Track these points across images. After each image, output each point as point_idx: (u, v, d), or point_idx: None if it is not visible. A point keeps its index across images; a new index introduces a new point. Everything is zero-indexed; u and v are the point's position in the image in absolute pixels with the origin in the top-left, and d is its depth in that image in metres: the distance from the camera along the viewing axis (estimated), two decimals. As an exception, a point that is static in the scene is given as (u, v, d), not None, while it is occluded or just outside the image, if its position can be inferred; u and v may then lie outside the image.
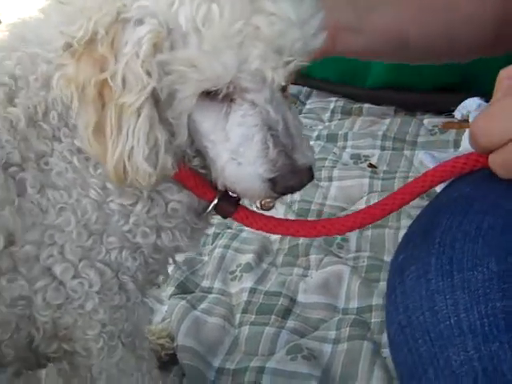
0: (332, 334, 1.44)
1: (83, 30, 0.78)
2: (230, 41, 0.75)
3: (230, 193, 0.91)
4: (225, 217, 0.97)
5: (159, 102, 0.80)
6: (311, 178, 0.84)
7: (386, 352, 1.36)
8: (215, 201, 0.94)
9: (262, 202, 0.89)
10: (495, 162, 0.78)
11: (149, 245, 0.97)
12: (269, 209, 0.91)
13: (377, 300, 1.50)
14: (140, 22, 0.77)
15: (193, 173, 0.93)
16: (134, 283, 1.00)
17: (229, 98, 0.81)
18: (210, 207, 0.95)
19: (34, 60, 0.89)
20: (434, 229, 0.84)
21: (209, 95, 0.80)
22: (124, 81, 0.77)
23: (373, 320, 1.46)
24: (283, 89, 0.85)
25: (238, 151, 0.82)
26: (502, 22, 1.11)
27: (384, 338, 1.40)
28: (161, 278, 1.13)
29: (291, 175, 0.81)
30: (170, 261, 1.11)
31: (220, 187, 0.89)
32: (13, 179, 0.90)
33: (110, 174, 0.82)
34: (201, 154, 0.90)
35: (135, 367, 1.08)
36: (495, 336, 0.72)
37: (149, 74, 0.77)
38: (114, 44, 0.77)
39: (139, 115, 0.79)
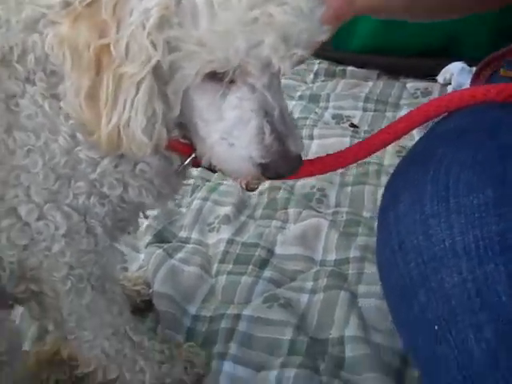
0: (309, 284, 1.44)
1: None
2: (244, 26, 0.74)
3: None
4: (214, 171, 0.97)
5: (159, 75, 0.79)
6: (300, 165, 0.85)
7: (361, 302, 1.37)
8: (193, 155, 0.93)
9: (248, 183, 0.91)
10: None
11: (115, 196, 0.96)
12: (253, 190, 0.93)
13: (354, 253, 1.50)
14: None
15: None
16: (103, 228, 0.99)
17: (229, 80, 0.80)
18: (188, 160, 0.95)
19: (20, 3, 0.86)
20: (429, 157, 0.85)
21: (212, 75, 0.79)
22: (127, 50, 0.76)
23: (350, 271, 1.46)
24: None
25: (231, 133, 0.82)
26: None
27: (360, 288, 1.41)
28: (131, 227, 1.11)
29: (282, 162, 0.82)
30: (141, 215, 1.11)
31: (204, 164, 0.89)
32: None
33: (102, 141, 0.81)
34: (182, 126, 0.90)
35: (105, 309, 1.08)
36: (490, 258, 0.74)
37: (154, 46, 0.76)
38: (116, 10, 0.75)
39: (139, 86, 0.77)
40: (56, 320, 1.07)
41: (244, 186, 0.93)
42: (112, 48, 0.76)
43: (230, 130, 0.82)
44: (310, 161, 0.99)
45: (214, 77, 0.80)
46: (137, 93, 0.78)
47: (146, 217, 1.14)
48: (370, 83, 2.36)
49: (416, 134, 1.41)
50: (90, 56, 0.76)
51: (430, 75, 2.35)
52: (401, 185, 0.87)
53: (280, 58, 0.77)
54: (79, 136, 0.89)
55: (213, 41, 0.75)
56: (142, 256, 1.55)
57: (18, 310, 1.28)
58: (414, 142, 1.03)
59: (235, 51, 0.75)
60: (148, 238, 1.60)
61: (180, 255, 1.54)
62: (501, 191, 0.76)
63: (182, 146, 0.93)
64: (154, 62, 0.76)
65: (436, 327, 0.77)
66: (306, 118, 2.10)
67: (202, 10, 0.74)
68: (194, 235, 1.63)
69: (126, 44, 0.76)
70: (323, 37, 0.82)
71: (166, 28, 0.76)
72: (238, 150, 0.83)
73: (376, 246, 0.91)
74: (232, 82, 0.81)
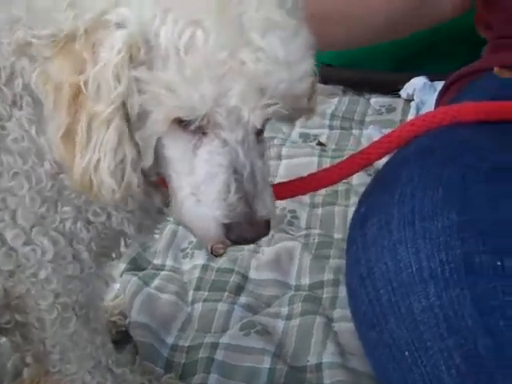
0: (284, 310, 1.46)
1: (68, 24, 0.75)
2: (211, 71, 0.72)
3: None
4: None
5: (131, 119, 0.78)
6: (267, 232, 0.80)
7: (337, 326, 1.40)
8: None
9: (213, 247, 0.85)
10: None
11: (99, 222, 0.96)
12: (219, 255, 0.87)
13: (328, 276, 1.53)
14: (120, 27, 0.74)
15: None
16: (89, 252, 0.98)
17: (201, 131, 0.78)
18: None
19: (14, 24, 0.85)
20: (395, 181, 0.86)
21: (181, 123, 0.77)
22: (97, 88, 0.75)
23: (324, 295, 1.49)
24: (259, 132, 0.81)
25: (199, 188, 0.79)
26: None
27: (335, 313, 1.44)
28: (113, 254, 1.11)
29: (247, 226, 0.78)
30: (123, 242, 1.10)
31: (175, 220, 0.86)
32: None
33: (75, 181, 0.80)
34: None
35: (89, 340, 1.08)
36: (456, 282, 0.75)
37: (119, 84, 0.74)
38: (94, 47, 0.75)
39: (108, 127, 0.76)
40: (39, 352, 1.07)
41: (209, 249, 0.86)
42: (82, 86, 0.75)
43: (199, 184, 0.79)
44: (281, 184, 1.00)
45: (186, 127, 0.77)
46: (106, 134, 0.76)
47: (127, 245, 1.14)
48: (336, 100, 2.40)
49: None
50: (68, 94, 0.76)
51: (394, 90, 2.40)
52: (368, 210, 0.88)
53: (250, 108, 0.74)
54: None
55: (179, 85, 0.73)
56: (118, 286, 1.55)
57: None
58: (382, 161, 1.04)
59: (201, 98, 0.73)
60: (123, 266, 1.60)
61: (155, 283, 1.55)
62: (463, 214, 0.78)
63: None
64: (118, 99, 0.75)
65: (406, 353, 0.79)
66: (274, 138, 2.12)
67: (168, 54, 0.73)
68: (169, 262, 1.64)
69: (96, 82, 0.74)
70: (304, 89, 0.79)
71: (133, 68, 0.74)
72: (204, 207, 0.79)
73: (345, 273, 0.92)
74: (204, 133, 0.78)
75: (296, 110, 0.88)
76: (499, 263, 0.75)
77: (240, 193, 0.77)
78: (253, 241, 0.81)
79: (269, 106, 0.75)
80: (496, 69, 0.93)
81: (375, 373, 0.95)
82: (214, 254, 0.86)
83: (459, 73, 1.22)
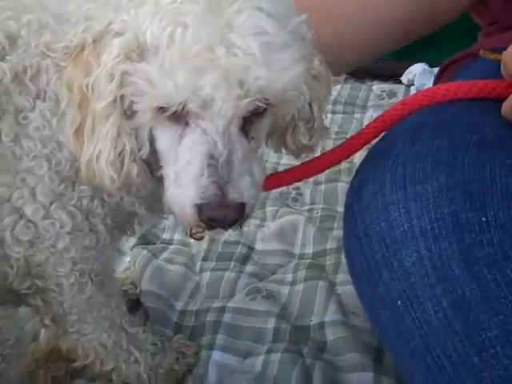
0: (289, 276, 1.51)
1: (78, 36, 0.85)
2: (186, 63, 0.77)
3: None
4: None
5: (127, 114, 0.85)
6: (239, 214, 0.83)
7: (340, 289, 1.45)
8: None
9: (193, 231, 0.90)
10: None
11: (113, 202, 1.02)
12: (199, 238, 0.91)
13: (331, 244, 1.58)
14: (120, 34, 0.82)
15: None
16: (104, 226, 1.04)
17: (184, 122, 0.83)
18: None
19: (43, 28, 0.93)
20: (388, 153, 0.92)
21: (166, 114, 0.83)
22: (97, 87, 0.83)
23: (327, 262, 1.54)
24: (244, 129, 0.86)
25: (180, 174, 0.85)
26: None
27: (338, 277, 1.48)
28: (128, 230, 1.17)
29: (217, 207, 0.81)
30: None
31: (166, 207, 0.92)
32: None
33: (82, 174, 0.89)
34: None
35: (104, 303, 1.15)
36: (444, 237, 0.81)
37: (113, 81, 0.82)
38: (99, 52, 0.83)
39: (107, 121, 0.84)
40: (57, 314, 1.12)
41: (189, 233, 0.92)
42: (85, 86, 0.83)
43: (180, 171, 0.85)
44: (285, 171, 1.07)
45: (171, 118, 0.84)
46: (105, 127, 0.84)
47: (142, 225, 1.19)
48: (338, 87, 2.45)
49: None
50: (77, 95, 0.84)
51: (395, 76, 2.46)
52: (363, 178, 0.94)
53: (222, 98, 0.79)
54: None
55: (157, 77, 0.79)
56: (128, 258, 1.61)
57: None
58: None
59: (175, 87, 0.78)
60: (133, 241, 1.65)
61: (164, 255, 1.60)
62: (452, 177, 0.83)
63: None
64: (112, 95, 0.83)
65: (399, 302, 0.84)
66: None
67: (153, 48, 0.80)
68: (177, 236, 1.69)
69: (97, 82, 0.83)
70: (281, 86, 0.82)
71: (123, 64, 0.82)
72: (181, 190, 0.84)
73: (343, 236, 0.98)
74: (187, 124, 0.84)
75: (297, 146, 0.98)
76: (484, 219, 0.80)
77: (213, 177, 0.81)
78: (222, 222, 0.83)
79: (244, 97, 0.79)
80: (481, 51, 0.98)
81: (372, 324, 1.00)
82: (194, 237, 0.91)
83: (454, 57, 1.28)
